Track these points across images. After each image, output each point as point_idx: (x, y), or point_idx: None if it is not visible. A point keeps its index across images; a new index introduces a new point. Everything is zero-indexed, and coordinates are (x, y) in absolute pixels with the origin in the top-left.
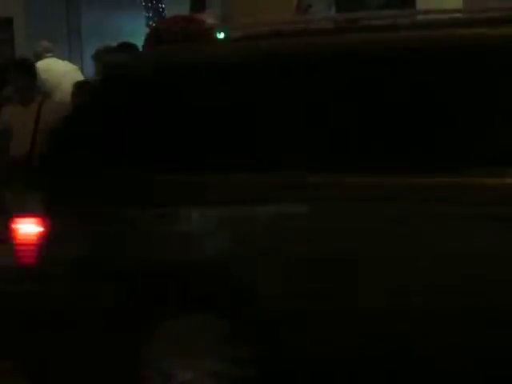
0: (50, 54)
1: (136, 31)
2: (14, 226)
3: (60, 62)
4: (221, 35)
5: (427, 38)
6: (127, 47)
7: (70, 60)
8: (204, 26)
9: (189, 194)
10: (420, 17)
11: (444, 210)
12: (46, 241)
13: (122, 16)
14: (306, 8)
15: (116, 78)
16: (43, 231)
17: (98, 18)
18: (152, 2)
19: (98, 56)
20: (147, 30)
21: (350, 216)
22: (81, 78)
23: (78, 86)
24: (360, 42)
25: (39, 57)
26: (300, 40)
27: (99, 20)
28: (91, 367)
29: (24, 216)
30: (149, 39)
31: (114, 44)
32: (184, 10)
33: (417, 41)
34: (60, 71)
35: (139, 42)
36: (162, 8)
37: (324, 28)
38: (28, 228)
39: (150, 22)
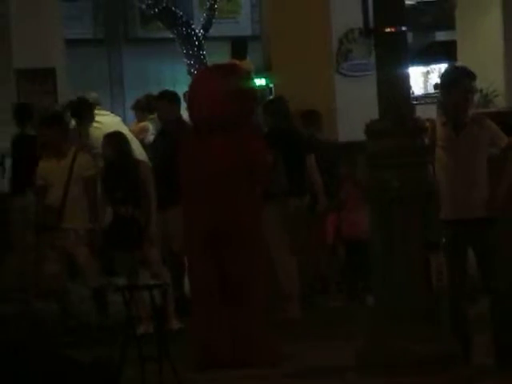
0: (98, 107)
1: (177, 79)
2: None
3: (106, 113)
4: (262, 82)
5: None
6: (168, 95)
7: (112, 109)
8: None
9: None
10: None
11: None
12: None
13: (163, 64)
14: (345, 53)
15: None
16: None
17: (139, 66)
18: (193, 50)
19: (138, 105)
20: (189, 77)
21: None
22: (124, 129)
23: (108, 138)
24: None
25: None
26: None
27: (141, 68)
28: None
29: None
30: None
31: (155, 93)
32: (225, 57)
33: None
34: (106, 123)
35: (181, 89)
36: (203, 55)
37: None
38: None
39: (192, 70)
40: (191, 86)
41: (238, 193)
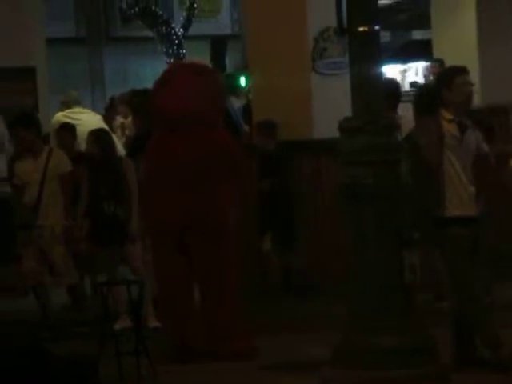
0: (77, 105)
1: None
2: None
3: (86, 112)
4: (242, 82)
5: None
6: (141, 93)
7: (93, 107)
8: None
9: None
10: None
11: None
12: None
13: (144, 63)
14: (321, 52)
15: None
16: None
17: (120, 65)
18: (173, 49)
19: (123, 100)
20: None
21: None
22: (104, 127)
23: (94, 135)
24: None
25: (67, 107)
26: None
27: (122, 67)
28: None
29: None
30: None
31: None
32: (205, 56)
33: None
34: (86, 121)
35: None
36: (183, 54)
37: None
38: None
39: None
40: (166, 81)
41: (209, 186)
